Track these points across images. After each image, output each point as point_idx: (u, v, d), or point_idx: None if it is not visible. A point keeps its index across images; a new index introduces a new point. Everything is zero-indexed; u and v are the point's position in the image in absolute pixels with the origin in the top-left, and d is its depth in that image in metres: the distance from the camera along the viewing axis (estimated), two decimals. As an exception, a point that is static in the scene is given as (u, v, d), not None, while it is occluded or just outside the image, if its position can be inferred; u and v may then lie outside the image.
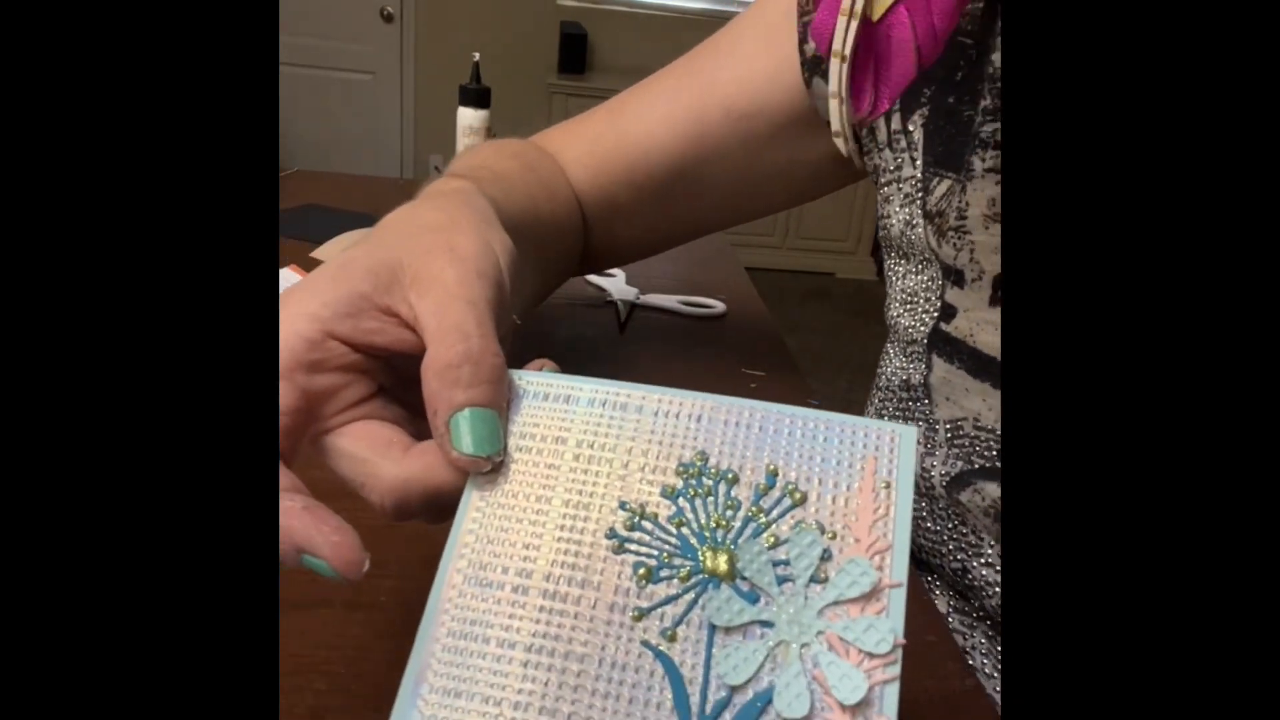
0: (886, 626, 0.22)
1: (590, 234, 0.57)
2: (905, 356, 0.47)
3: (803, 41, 0.48)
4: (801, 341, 2.91)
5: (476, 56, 1.06)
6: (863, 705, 0.21)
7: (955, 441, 0.43)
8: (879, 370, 0.51)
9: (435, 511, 0.27)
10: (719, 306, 0.76)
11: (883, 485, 0.24)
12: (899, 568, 0.23)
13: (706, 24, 3.36)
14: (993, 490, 0.41)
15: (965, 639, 0.46)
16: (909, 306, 0.46)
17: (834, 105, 0.47)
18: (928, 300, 0.45)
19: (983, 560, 0.43)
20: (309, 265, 0.73)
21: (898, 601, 0.22)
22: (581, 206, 0.56)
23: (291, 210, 0.90)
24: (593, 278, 0.77)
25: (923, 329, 0.45)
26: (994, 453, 0.41)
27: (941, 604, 0.48)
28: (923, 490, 0.46)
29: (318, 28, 3.19)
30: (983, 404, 0.42)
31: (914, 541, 0.48)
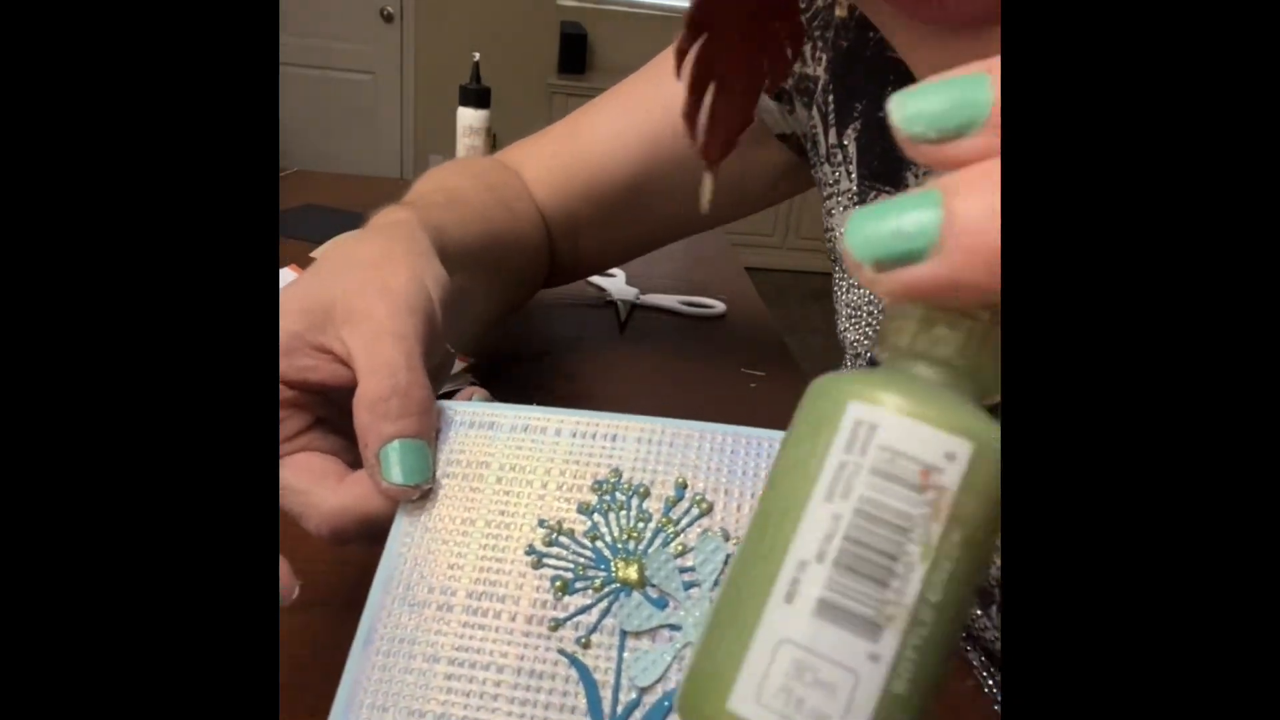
0: None
1: (555, 248, 0.58)
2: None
3: None
4: (801, 341, 2.91)
5: (476, 56, 1.06)
6: None
7: None
8: None
9: (370, 538, 0.28)
10: (719, 306, 0.76)
11: None
12: None
13: (706, 24, 3.36)
14: None
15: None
16: (854, 321, 0.47)
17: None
18: (869, 314, 0.46)
19: None
20: (308, 265, 0.73)
21: None
22: (545, 222, 0.57)
23: (291, 210, 0.90)
24: (593, 277, 0.77)
25: (867, 343, 0.46)
26: None
27: None
28: None
29: (318, 28, 3.19)
30: None
31: None
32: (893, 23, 0.27)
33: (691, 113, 0.27)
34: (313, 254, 0.77)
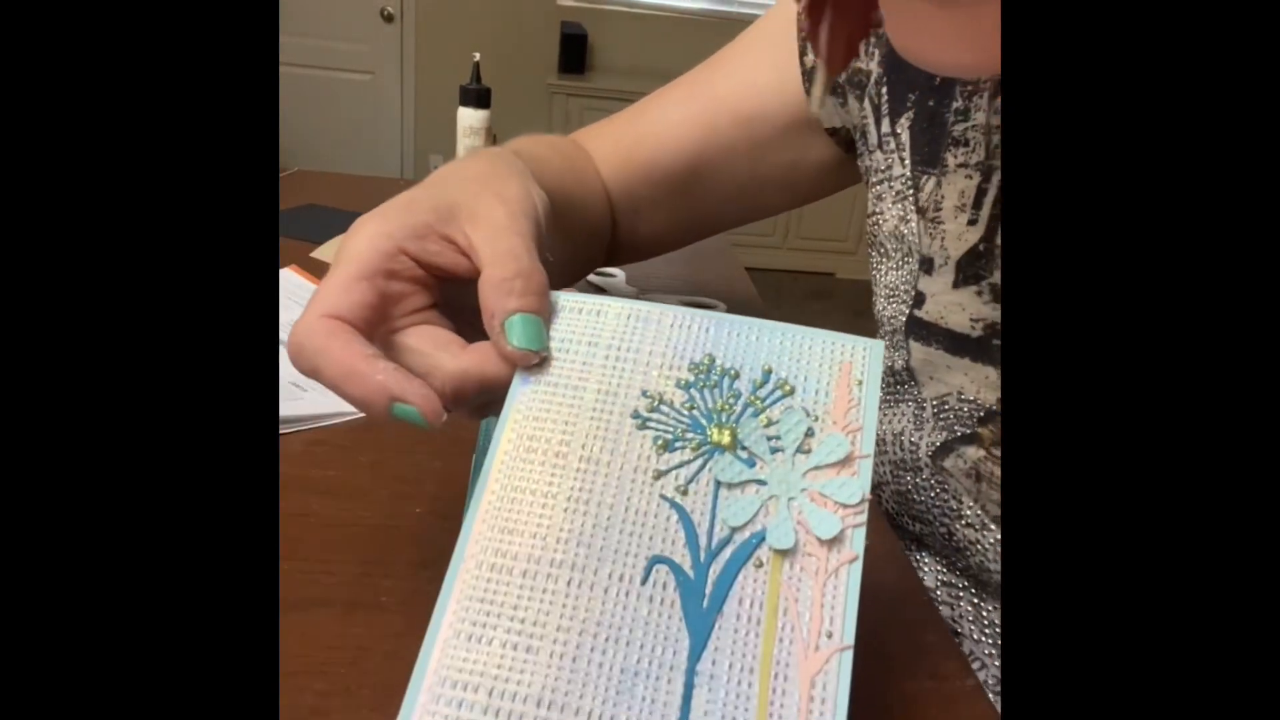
0: (857, 484, 0.28)
1: (616, 227, 0.62)
2: (891, 346, 0.51)
3: (802, 54, 0.53)
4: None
5: (476, 56, 1.06)
6: (836, 541, 0.27)
7: (941, 415, 0.47)
8: None
9: (483, 405, 0.33)
10: (719, 307, 0.76)
11: (856, 382, 0.30)
12: (867, 443, 0.29)
13: (706, 24, 3.36)
14: (971, 453, 0.46)
15: (952, 609, 0.50)
16: (891, 300, 0.51)
17: (808, 66, 0.52)
18: (905, 292, 0.49)
19: (964, 522, 0.47)
20: (309, 265, 0.73)
21: (865, 468, 0.28)
22: (609, 198, 0.60)
23: (291, 210, 0.90)
24: (593, 278, 0.77)
25: (900, 319, 0.49)
26: (974, 419, 0.46)
27: (930, 579, 0.52)
28: (910, 465, 0.50)
29: (318, 28, 3.19)
30: (965, 378, 0.46)
31: (906, 513, 0.53)
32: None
33: (813, 32, 0.31)
34: (313, 254, 0.77)
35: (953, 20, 0.26)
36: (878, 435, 0.51)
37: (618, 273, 0.79)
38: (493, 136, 1.05)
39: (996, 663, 0.47)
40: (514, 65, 3.25)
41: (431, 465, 0.47)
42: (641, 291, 0.76)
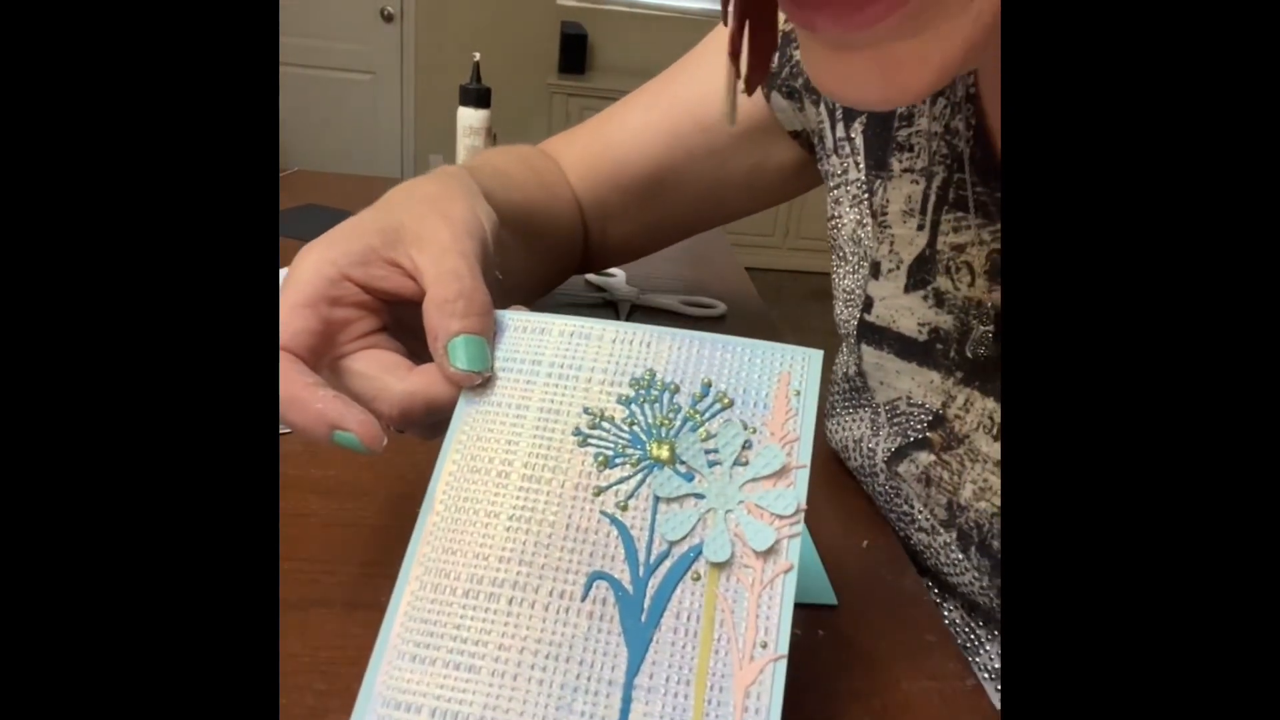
0: (792, 495, 0.28)
1: (587, 234, 0.62)
2: (847, 351, 0.52)
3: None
4: (801, 341, 2.88)
5: (476, 56, 1.06)
6: (771, 552, 0.28)
7: (894, 421, 0.48)
8: (834, 366, 0.55)
9: (431, 426, 0.33)
10: (719, 306, 0.76)
11: (794, 393, 0.30)
12: (804, 453, 0.29)
13: (707, 24, 3.36)
14: (923, 458, 0.46)
15: None
16: (848, 304, 0.51)
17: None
18: (859, 296, 0.50)
19: (916, 526, 0.48)
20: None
21: (802, 479, 0.29)
22: (580, 207, 0.61)
23: (291, 210, 0.90)
24: (592, 278, 0.77)
25: (853, 322, 0.50)
26: (924, 424, 0.46)
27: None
28: (869, 470, 0.50)
29: (318, 28, 3.19)
30: (912, 383, 0.46)
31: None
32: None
33: (734, 49, 0.32)
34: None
35: (853, 62, 0.26)
36: (840, 442, 0.52)
37: (618, 273, 0.79)
38: (493, 136, 1.05)
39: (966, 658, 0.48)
40: (514, 65, 3.25)
41: (431, 465, 0.47)
42: (642, 292, 0.76)
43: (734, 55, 0.32)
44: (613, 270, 0.79)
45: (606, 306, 0.74)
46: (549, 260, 0.57)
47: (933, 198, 0.44)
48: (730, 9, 0.30)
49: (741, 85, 0.32)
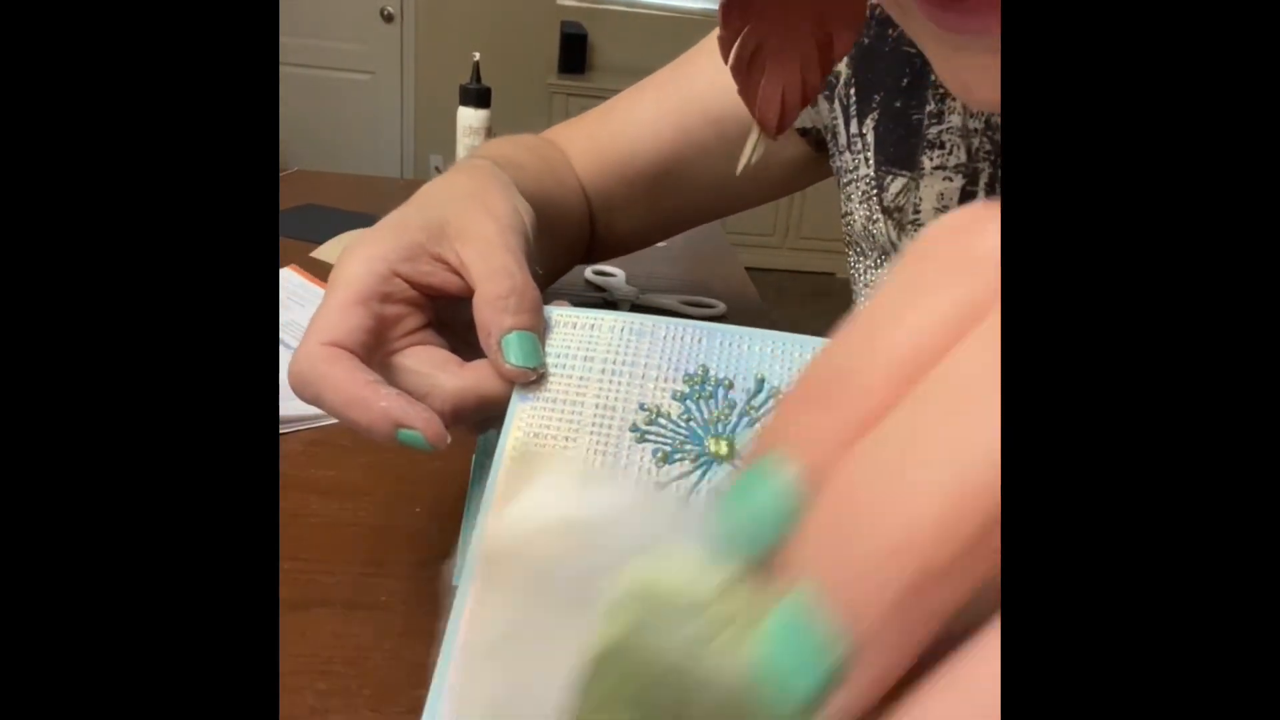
0: None
1: (593, 224, 0.62)
2: None
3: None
4: (801, 341, 2.90)
5: (476, 56, 1.06)
6: None
7: None
8: None
9: (483, 421, 0.33)
10: (719, 306, 0.76)
11: None
12: None
13: (707, 24, 3.35)
14: None
15: None
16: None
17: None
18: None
19: None
20: (309, 265, 0.73)
21: None
22: (586, 196, 0.61)
23: (291, 210, 0.90)
24: (593, 278, 0.77)
25: None
26: None
27: None
28: None
29: (318, 28, 3.19)
30: None
31: None
32: (920, 29, 0.28)
33: (748, 94, 0.32)
34: (313, 254, 0.77)
35: (989, 64, 0.26)
36: None
37: (617, 272, 0.79)
38: (492, 136, 1.05)
39: None
40: (514, 65, 3.25)
41: (431, 465, 0.47)
42: (642, 291, 0.76)
43: (747, 98, 0.31)
44: (613, 270, 0.79)
45: (606, 306, 0.74)
46: (558, 252, 0.57)
47: (980, 194, 0.44)
48: (732, 52, 0.30)
49: (757, 139, 0.32)
